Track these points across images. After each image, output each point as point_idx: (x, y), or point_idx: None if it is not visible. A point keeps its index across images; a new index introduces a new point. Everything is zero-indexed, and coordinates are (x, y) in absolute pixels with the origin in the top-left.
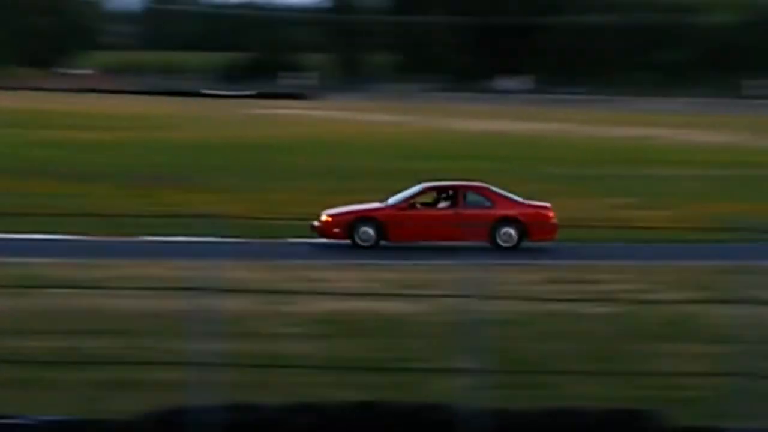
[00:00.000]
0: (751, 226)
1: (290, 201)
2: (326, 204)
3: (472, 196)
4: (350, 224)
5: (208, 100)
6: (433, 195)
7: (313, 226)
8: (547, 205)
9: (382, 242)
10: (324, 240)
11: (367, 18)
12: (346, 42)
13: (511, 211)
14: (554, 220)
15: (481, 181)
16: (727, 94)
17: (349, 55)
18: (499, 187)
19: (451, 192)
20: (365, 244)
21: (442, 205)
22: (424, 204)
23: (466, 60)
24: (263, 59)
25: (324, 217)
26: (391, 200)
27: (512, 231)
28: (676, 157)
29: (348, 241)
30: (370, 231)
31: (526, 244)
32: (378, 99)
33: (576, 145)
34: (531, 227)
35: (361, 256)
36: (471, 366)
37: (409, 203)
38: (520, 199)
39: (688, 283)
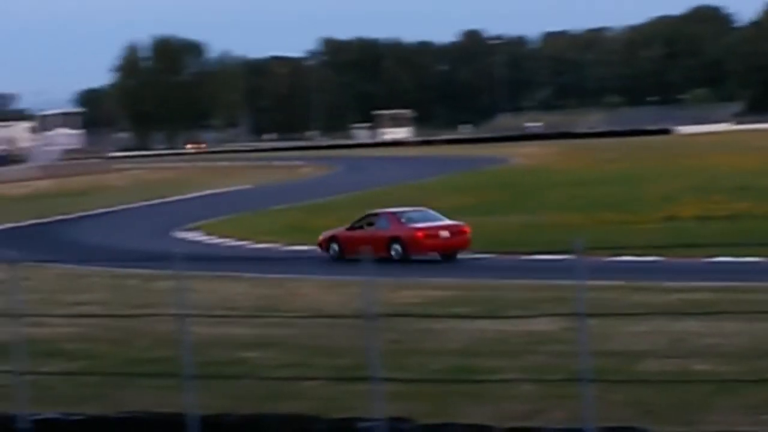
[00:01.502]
0: None
1: None
2: None
3: (381, 220)
4: (327, 242)
5: None
6: (373, 219)
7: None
8: (420, 226)
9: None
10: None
11: None
12: None
13: (396, 233)
14: (426, 240)
15: (421, 206)
16: None
17: None
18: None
19: (373, 217)
20: (334, 256)
21: (369, 228)
22: (367, 226)
23: None
24: None
25: (320, 236)
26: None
27: (397, 247)
28: None
29: (327, 254)
30: (336, 247)
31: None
32: None
33: None
34: (408, 245)
35: None
36: None
37: (354, 226)
38: (414, 222)
39: None
